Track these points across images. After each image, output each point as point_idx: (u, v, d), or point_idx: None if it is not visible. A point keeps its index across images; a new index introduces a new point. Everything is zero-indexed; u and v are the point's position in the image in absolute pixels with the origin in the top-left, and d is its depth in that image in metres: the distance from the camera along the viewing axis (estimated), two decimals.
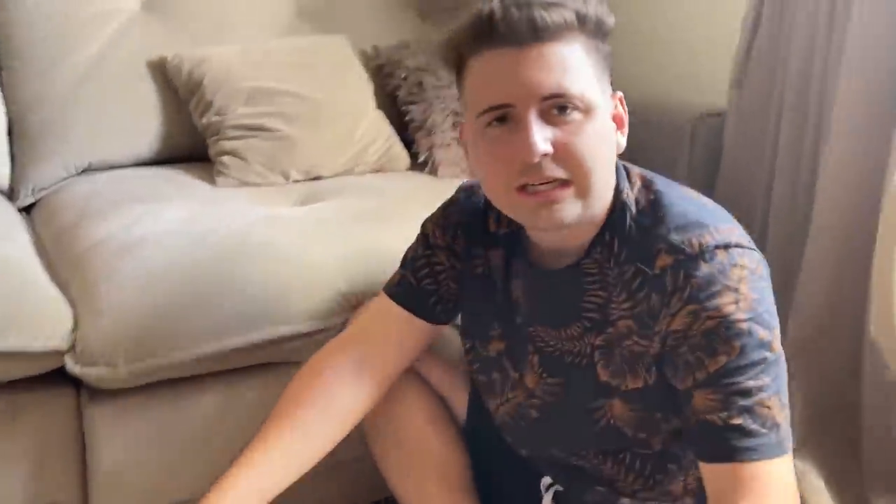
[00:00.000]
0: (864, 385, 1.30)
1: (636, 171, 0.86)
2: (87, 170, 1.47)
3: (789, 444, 0.77)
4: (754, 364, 0.76)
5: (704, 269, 0.77)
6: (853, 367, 1.31)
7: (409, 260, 0.97)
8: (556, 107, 0.76)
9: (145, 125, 1.52)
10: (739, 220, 1.48)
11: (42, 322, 1.00)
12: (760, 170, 1.50)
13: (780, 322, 0.82)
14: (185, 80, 1.51)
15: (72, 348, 1.00)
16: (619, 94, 0.84)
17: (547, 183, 0.77)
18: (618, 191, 0.83)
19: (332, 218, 1.26)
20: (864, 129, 1.30)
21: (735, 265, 0.77)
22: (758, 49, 1.49)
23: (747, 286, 0.77)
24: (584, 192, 0.78)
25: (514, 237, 0.91)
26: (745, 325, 0.75)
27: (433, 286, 0.95)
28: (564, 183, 0.77)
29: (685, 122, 1.62)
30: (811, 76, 1.40)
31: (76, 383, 1.03)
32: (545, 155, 0.76)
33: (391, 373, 0.96)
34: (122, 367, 0.98)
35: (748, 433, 0.74)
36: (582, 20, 0.78)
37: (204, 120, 1.50)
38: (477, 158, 0.81)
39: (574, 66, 0.77)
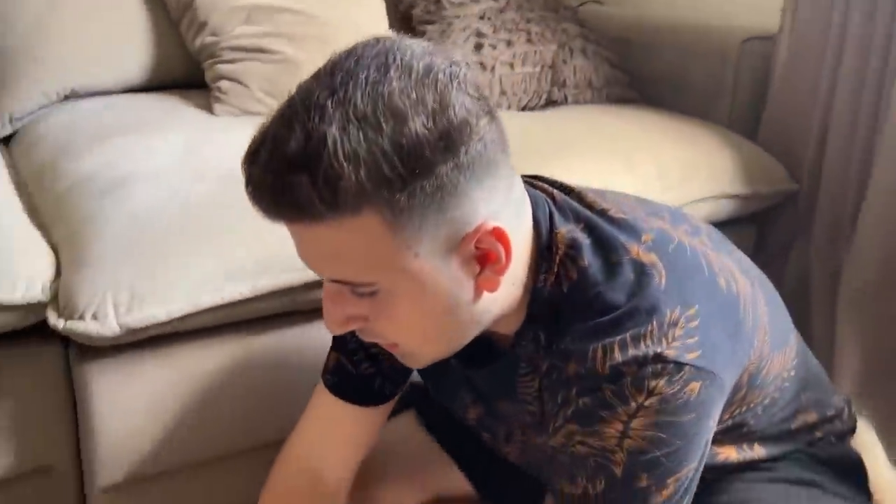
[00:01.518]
0: None
1: (564, 231, 0.70)
2: (70, 96, 1.32)
3: None
4: None
5: (602, 390, 0.64)
6: None
7: (339, 340, 0.83)
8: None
9: (133, 47, 1.36)
10: (788, 159, 1.38)
11: (20, 270, 0.88)
12: (815, 103, 1.35)
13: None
14: None
15: (54, 300, 0.88)
16: (489, 225, 0.62)
17: None
18: (536, 275, 0.69)
19: None
20: None
21: (640, 390, 0.63)
22: None
23: (645, 421, 0.64)
24: (419, 349, 0.68)
25: None
26: (618, 469, 0.64)
27: (372, 369, 0.82)
28: (392, 344, 0.68)
29: (730, 46, 1.46)
30: None
31: (64, 338, 0.92)
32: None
33: (352, 472, 0.86)
34: (111, 321, 0.86)
35: None
36: (344, 200, 0.56)
37: (197, 42, 1.34)
38: None
39: (344, 252, 0.60)
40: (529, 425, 0.76)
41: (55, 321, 0.86)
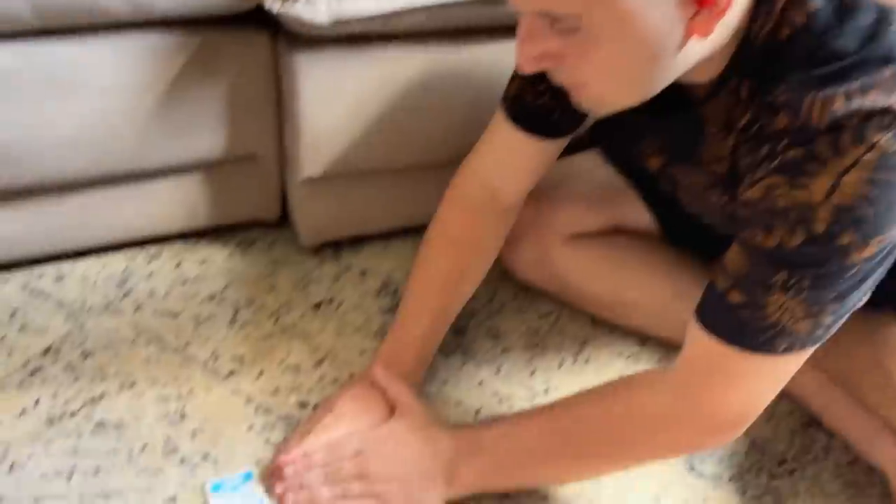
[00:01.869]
0: None
1: None
2: None
3: (777, 346, 0.65)
4: (805, 266, 0.62)
5: (816, 142, 0.59)
6: None
7: None
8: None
9: None
10: None
11: None
12: None
13: None
14: None
15: None
16: None
17: None
18: (752, 19, 0.62)
19: None
20: None
21: (860, 144, 0.58)
22: None
23: (860, 176, 0.58)
24: (609, 94, 0.65)
25: None
26: (821, 225, 0.60)
27: (553, 101, 0.80)
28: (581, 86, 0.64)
29: None
30: None
31: (276, 29, 0.94)
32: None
33: (523, 194, 0.91)
34: (323, 8, 0.87)
35: (735, 315, 0.65)
36: None
37: None
38: None
39: None
40: (716, 183, 0.73)
41: (270, 4, 0.88)
